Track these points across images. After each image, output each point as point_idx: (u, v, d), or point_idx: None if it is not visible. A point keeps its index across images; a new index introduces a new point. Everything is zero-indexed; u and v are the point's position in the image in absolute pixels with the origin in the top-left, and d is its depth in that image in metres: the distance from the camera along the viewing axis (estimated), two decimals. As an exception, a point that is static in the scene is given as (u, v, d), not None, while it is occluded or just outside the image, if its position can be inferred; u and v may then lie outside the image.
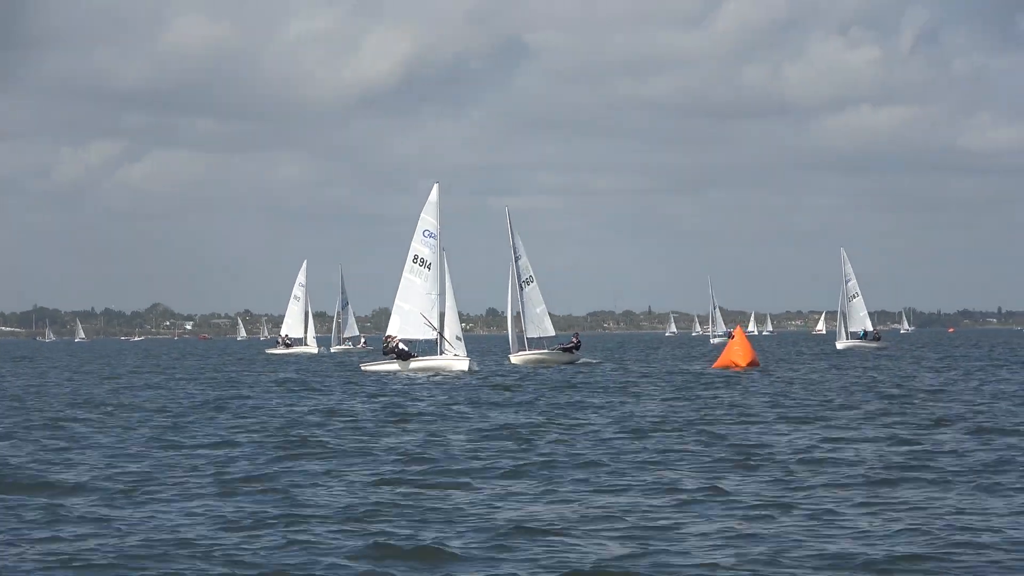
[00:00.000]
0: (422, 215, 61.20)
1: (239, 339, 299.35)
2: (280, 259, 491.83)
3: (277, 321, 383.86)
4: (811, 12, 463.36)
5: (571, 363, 68.18)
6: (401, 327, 60.83)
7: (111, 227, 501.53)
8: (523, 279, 70.24)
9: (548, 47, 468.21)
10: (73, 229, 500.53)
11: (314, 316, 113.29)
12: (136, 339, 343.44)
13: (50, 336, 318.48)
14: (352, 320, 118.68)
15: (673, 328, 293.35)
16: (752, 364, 60.81)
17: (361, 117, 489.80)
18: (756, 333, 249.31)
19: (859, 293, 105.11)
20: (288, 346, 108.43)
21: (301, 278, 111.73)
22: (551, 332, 71.90)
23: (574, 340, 70.66)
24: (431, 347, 61.17)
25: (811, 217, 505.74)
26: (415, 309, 60.64)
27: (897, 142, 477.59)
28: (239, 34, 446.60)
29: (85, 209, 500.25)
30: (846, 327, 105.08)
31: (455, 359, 59.11)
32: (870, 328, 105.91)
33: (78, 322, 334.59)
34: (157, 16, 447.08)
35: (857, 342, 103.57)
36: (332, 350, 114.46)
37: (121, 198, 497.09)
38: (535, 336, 70.88)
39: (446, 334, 59.72)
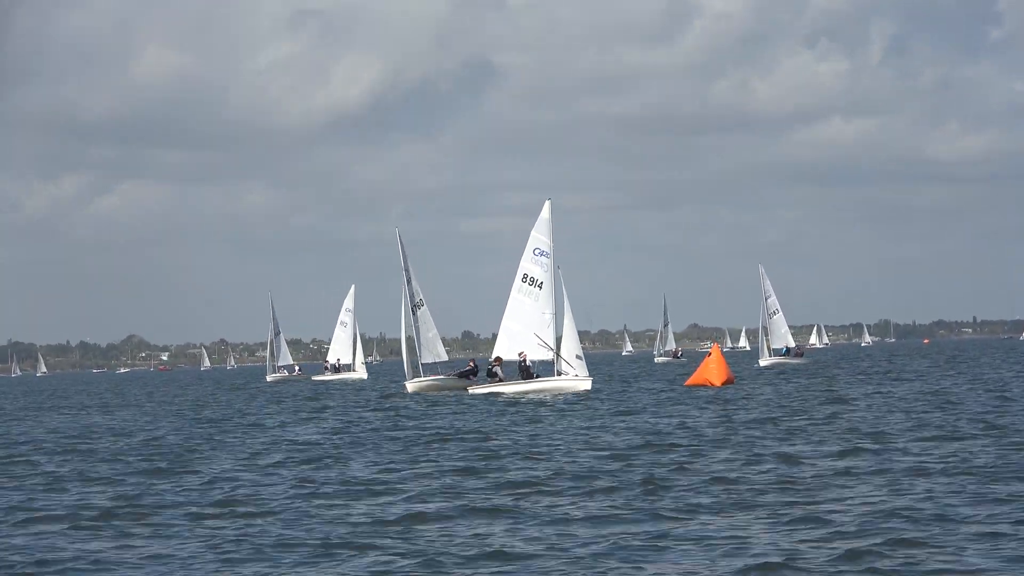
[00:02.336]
0: (533, 233, 58.73)
1: (203, 368, 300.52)
2: (250, 288, 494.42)
3: (252, 350, 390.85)
4: (778, 25, 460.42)
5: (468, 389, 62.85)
6: (509, 349, 58.70)
7: (84, 259, 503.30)
8: (415, 302, 67.19)
9: (515, 68, 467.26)
10: (46, 262, 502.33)
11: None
12: (122, 371, 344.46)
13: (16, 371, 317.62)
14: (285, 348, 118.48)
15: (629, 347, 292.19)
16: (727, 382, 59.81)
17: (329, 144, 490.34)
18: (730, 348, 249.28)
19: (779, 310, 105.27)
20: (337, 371, 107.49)
21: (348, 303, 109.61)
22: (444, 357, 69.60)
23: (470, 365, 66.07)
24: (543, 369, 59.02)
25: (783, 230, 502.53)
26: (525, 330, 58.18)
27: (867, 153, 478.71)
28: (206, 64, 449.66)
29: (57, 242, 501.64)
30: (768, 344, 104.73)
31: (576, 380, 56.55)
32: (792, 344, 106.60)
33: (39, 356, 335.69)
34: (125, 48, 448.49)
35: (779, 359, 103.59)
36: (268, 379, 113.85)
37: (92, 230, 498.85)
38: (430, 361, 68.59)
39: (564, 354, 57.22)
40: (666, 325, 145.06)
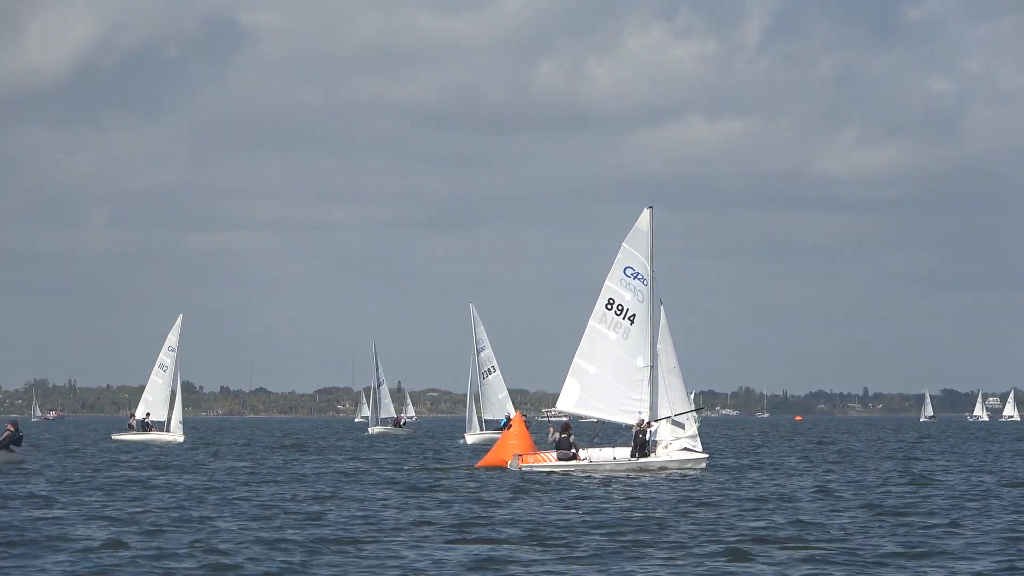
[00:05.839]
0: (624, 245, 47.92)
1: None
2: None
3: None
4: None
5: (15, 463, 50.70)
6: (580, 399, 47.16)
7: None
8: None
9: (270, 31, 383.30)
10: None
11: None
12: None
13: None
14: None
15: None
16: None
17: (14, 124, 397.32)
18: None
19: (496, 367, 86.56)
20: (147, 429, 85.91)
21: (172, 339, 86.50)
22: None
23: (10, 430, 51.73)
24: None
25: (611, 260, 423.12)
26: (607, 376, 46.87)
27: (732, 166, 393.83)
28: None
29: None
30: (479, 413, 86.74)
31: (684, 454, 46.12)
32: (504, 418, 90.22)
33: None
34: None
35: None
36: None
37: None
38: None
39: (662, 416, 46.50)
40: (381, 383, 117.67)
